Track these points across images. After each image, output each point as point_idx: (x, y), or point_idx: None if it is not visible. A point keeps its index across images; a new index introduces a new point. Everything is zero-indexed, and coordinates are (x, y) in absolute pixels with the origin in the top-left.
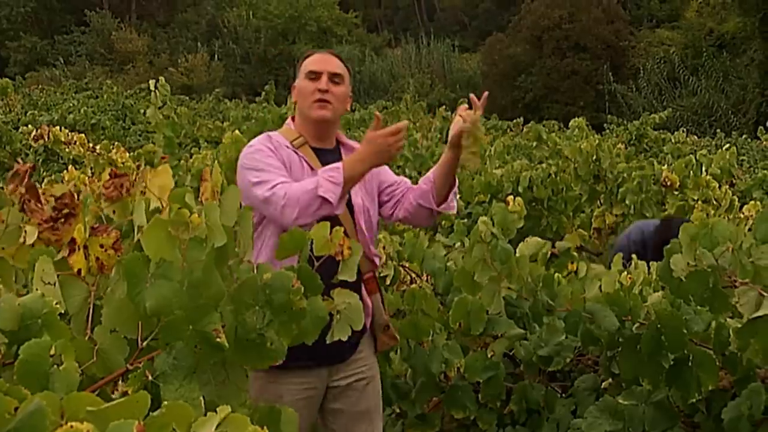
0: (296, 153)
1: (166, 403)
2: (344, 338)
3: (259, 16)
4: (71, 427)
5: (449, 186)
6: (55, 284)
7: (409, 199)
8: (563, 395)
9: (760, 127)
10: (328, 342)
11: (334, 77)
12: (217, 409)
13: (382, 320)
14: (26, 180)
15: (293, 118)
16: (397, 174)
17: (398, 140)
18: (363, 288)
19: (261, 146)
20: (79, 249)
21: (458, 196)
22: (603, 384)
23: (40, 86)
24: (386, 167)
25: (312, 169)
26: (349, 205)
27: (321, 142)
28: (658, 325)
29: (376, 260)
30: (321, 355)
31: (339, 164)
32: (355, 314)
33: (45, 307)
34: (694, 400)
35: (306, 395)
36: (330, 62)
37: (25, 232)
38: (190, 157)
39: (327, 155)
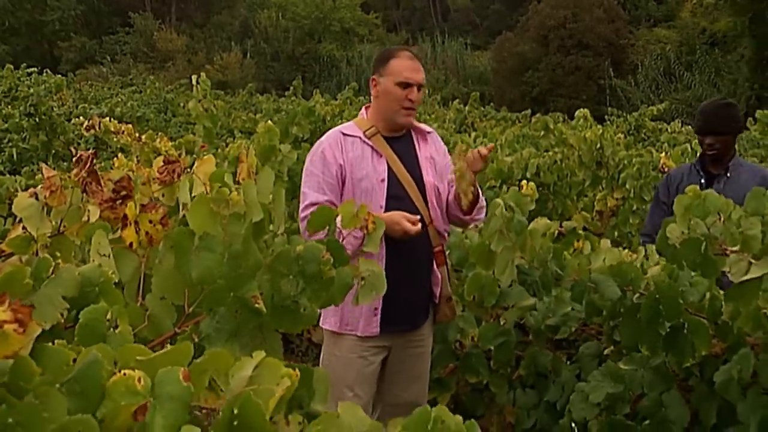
0: (366, 143)
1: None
2: (368, 303)
3: (288, 17)
4: (124, 374)
5: (468, 204)
6: (109, 256)
7: (451, 198)
8: (569, 361)
9: (749, 119)
10: (353, 305)
11: (420, 87)
12: (253, 354)
13: (446, 292)
14: (88, 165)
15: (367, 108)
16: None
17: (411, 230)
18: (434, 260)
19: (321, 153)
20: (130, 224)
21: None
22: (605, 350)
23: (89, 82)
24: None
25: (380, 155)
26: (420, 184)
27: (393, 131)
28: (657, 296)
29: (446, 235)
30: (403, 323)
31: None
32: (378, 281)
33: (101, 276)
34: (688, 365)
35: (377, 359)
36: (420, 73)
37: (88, 211)
38: (226, 146)
39: (398, 142)
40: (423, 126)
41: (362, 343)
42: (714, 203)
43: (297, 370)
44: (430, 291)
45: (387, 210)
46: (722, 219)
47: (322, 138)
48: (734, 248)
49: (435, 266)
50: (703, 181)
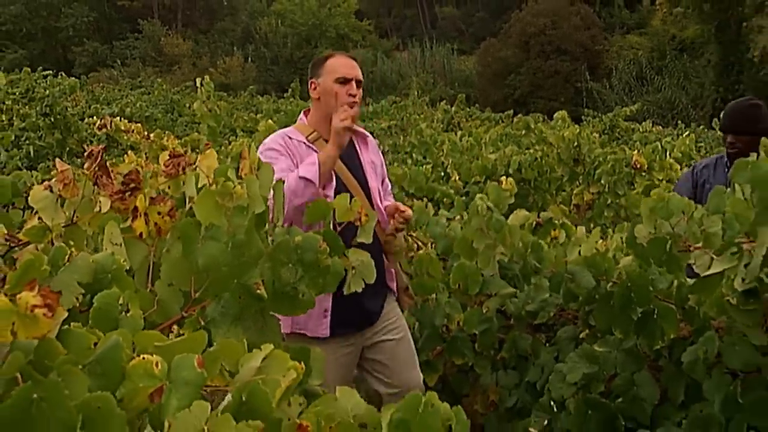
0: (311, 147)
1: (219, 341)
2: (359, 290)
3: (286, 24)
4: (143, 358)
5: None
6: (121, 245)
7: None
8: (547, 344)
9: (715, 119)
10: (345, 293)
11: (358, 83)
12: (262, 347)
13: (402, 283)
14: (99, 159)
15: (306, 113)
16: (404, 158)
17: (346, 115)
18: (385, 257)
19: (275, 145)
20: (140, 216)
21: (458, 177)
22: (581, 334)
23: (101, 84)
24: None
25: None
26: (366, 188)
27: None
28: (629, 284)
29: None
30: (354, 324)
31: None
32: (367, 270)
33: (114, 263)
34: (658, 347)
35: (347, 352)
36: (356, 70)
37: (100, 202)
38: (229, 144)
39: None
40: (362, 130)
41: (320, 345)
42: (677, 204)
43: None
44: (386, 286)
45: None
46: (686, 218)
47: (267, 140)
48: (697, 245)
49: (388, 262)
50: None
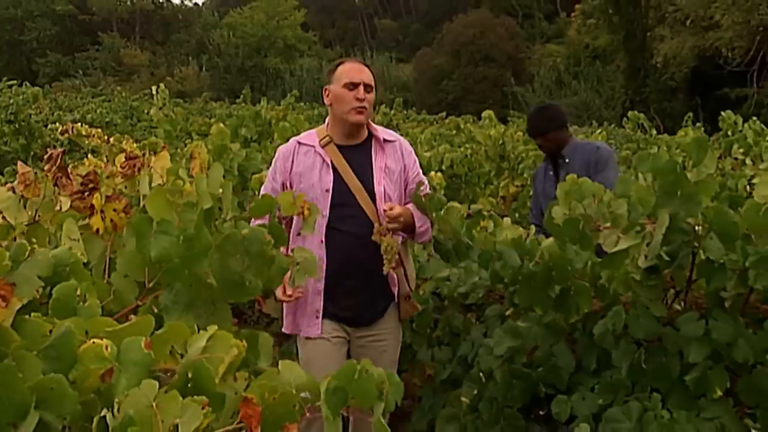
0: (318, 152)
1: (167, 324)
2: (302, 283)
3: (238, 35)
4: (93, 342)
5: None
6: (79, 240)
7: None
8: (477, 322)
9: (624, 118)
10: (292, 287)
11: (367, 87)
12: (207, 328)
13: (404, 290)
14: (58, 162)
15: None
16: None
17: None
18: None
19: (281, 151)
20: (97, 213)
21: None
22: (507, 312)
23: (63, 93)
24: (419, 167)
25: (328, 166)
26: (371, 193)
27: (349, 139)
28: (549, 264)
29: (399, 239)
30: (351, 318)
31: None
32: (310, 266)
33: (72, 257)
34: (573, 321)
35: (338, 335)
36: (365, 73)
37: (61, 201)
38: (185, 146)
39: (353, 151)
40: (386, 135)
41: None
42: (589, 189)
43: (244, 339)
44: (385, 291)
45: (331, 218)
46: (596, 201)
47: (281, 147)
48: (606, 225)
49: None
50: (551, 172)
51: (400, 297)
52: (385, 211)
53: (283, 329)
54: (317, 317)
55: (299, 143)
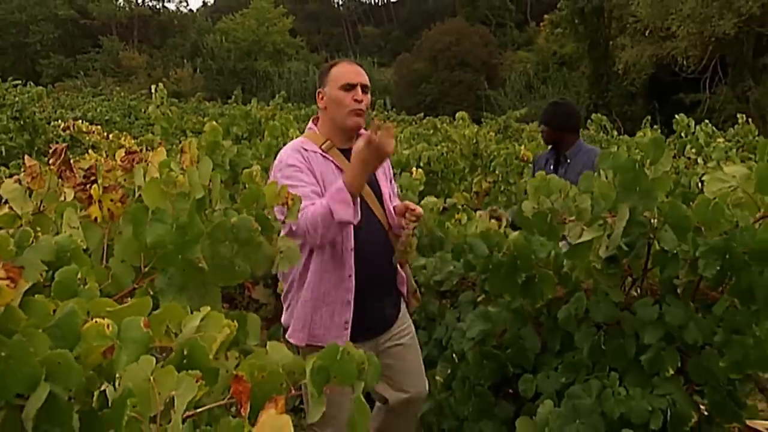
0: (327, 157)
1: (164, 306)
2: (286, 270)
3: (230, 40)
4: (96, 321)
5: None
6: (78, 228)
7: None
8: (451, 307)
9: (588, 121)
10: (274, 272)
11: (364, 88)
12: (201, 309)
13: (411, 286)
14: (63, 156)
15: (315, 122)
16: None
17: (390, 140)
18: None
19: (294, 161)
20: (95, 202)
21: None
22: (478, 298)
23: (66, 92)
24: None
25: (341, 170)
26: (378, 194)
27: (347, 143)
28: (515, 254)
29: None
30: (372, 331)
31: (341, 184)
32: (293, 255)
33: (72, 244)
34: (539, 306)
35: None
36: (361, 74)
37: (65, 192)
38: (180, 143)
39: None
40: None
41: None
42: (556, 184)
43: (235, 320)
44: (398, 291)
45: (357, 224)
46: (562, 196)
47: (288, 156)
48: (571, 218)
49: (399, 268)
50: (551, 167)
51: (409, 292)
52: (410, 210)
53: (288, 337)
54: (346, 329)
55: (304, 148)
